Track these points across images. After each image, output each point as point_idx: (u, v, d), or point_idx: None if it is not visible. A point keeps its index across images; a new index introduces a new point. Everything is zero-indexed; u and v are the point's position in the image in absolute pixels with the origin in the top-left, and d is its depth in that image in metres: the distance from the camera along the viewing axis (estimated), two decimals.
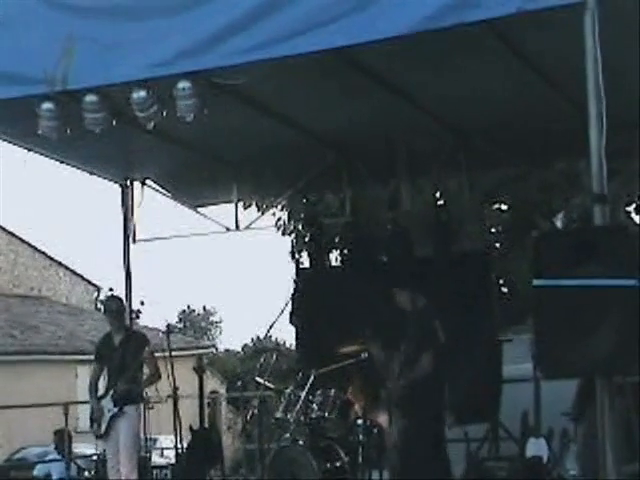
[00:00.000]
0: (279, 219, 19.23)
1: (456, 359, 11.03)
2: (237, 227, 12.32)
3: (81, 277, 39.15)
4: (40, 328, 32.78)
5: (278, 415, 9.44)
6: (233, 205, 12.25)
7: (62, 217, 78.08)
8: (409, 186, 12.31)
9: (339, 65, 8.38)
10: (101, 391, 10.10)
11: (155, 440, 16.69)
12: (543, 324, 6.35)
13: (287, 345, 28.35)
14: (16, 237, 36.46)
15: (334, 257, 17.08)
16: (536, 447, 9.99)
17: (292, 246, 19.15)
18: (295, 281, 12.77)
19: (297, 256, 18.09)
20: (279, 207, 17.31)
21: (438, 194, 14.99)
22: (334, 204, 15.54)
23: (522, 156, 11.04)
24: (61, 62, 7.44)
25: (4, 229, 35.65)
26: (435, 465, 8.61)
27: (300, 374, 9.69)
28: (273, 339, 36.96)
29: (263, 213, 13.33)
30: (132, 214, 12.04)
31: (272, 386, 10.08)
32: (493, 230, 19.18)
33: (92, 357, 10.70)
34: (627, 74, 8.12)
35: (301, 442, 9.15)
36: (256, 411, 10.82)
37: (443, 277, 11.08)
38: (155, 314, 59.81)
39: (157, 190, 12.20)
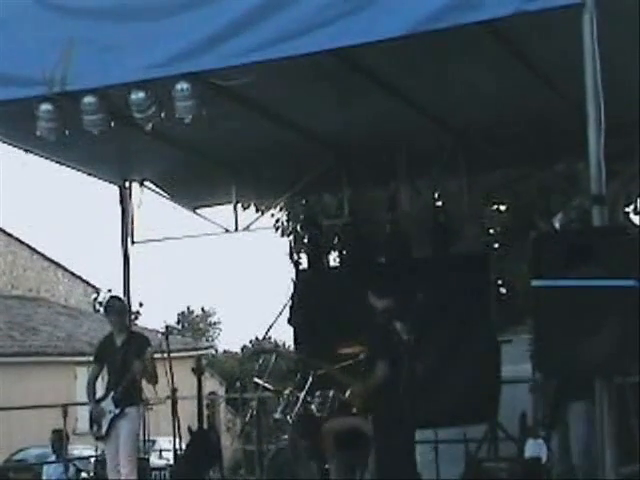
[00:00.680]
0: (278, 220, 19.20)
1: (455, 360, 11.08)
2: (236, 228, 12.33)
3: (80, 278, 39.12)
4: (39, 329, 32.74)
5: (277, 416, 9.44)
6: (232, 206, 12.25)
7: (61, 218, 78.01)
8: (408, 187, 12.33)
9: (338, 66, 8.38)
10: (99, 392, 10.08)
11: (154, 441, 16.69)
12: (542, 325, 6.35)
13: (286, 346, 28.33)
14: (14, 238, 36.43)
15: (333, 258, 17.05)
16: (535, 448, 10.01)
17: (291, 247, 19.12)
18: (294, 282, 12.77)
19: (296, 257, 18.05)
20: (278, 208, 17.31)
21: (437, 195, 14.99)
22: (333, 205, 15.54)
23: (521, 157, 11.04)
24: (60, 64, 7.44)
25: (2, 230, 35.62)
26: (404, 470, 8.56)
27: (299, 375, 9.70)
28: (272, 340, 36.93)
29: (262, 214, 13.32)
30: (131, 215, 12.03)
31: (271, 387, 10.09)
32: (492, 231, 19.16)
33: (91, 358, 10.68)
34: (626, 75, 8.12)
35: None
36: (255, 412, 10.84)
37: (442, 278, 11.10)
38: (154, 315, 59.85)
39: (156, 191, 12.19)
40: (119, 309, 10.21)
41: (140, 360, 9.51)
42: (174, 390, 10.26)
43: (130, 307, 11.98)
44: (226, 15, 7.14)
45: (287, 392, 9.48)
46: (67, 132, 8.01)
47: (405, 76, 8.95)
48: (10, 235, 36.21)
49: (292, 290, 12.57)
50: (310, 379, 9.38)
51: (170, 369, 10.02)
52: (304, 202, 15.22)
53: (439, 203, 13.77)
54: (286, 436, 9.44)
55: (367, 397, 8.62)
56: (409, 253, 11.73)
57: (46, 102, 7.73)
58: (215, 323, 63.33)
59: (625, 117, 8.38)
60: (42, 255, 37.41)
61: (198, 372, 11.26)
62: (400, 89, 9.40)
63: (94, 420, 9.90)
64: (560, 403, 8.12)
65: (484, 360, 11.09)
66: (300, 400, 9.26)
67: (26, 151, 9.92)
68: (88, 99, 7.70)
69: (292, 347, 13.42)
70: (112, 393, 9.77)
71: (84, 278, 39.21)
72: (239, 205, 12.64)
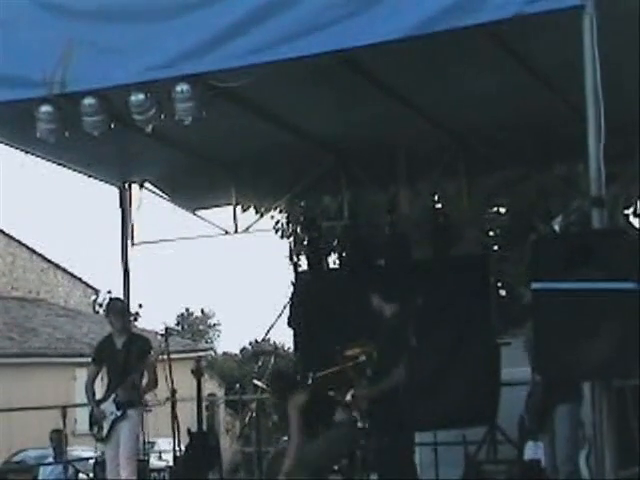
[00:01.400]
0: (277, 222, 19.20)
1: (455, 362, 11.08)
2: (236, 230, 12.32)
3: (79, 280, 39.16)
4: (38, 331, 32.77)
5: (276, 418, 9.44)
6: (231, 208, 12.25)
7: (60, 220, 78.04)
8: (408, 189, 12.33)
9: (338, 68, 8.38)
10: (98, 393, 10.07)
11: (153, 443, 16.68)
12: (542, 327, 6.35)
13: (285, 348, 28.31)
14: (14, 240, 36.45)
15: (332, 260, 17.04)
16: (534, 450, 9.99)
17: (290, 249, 19.13)
18: (293, 284, 12.78)
19: (295, 259, 18.05)
20: (277, 210, 17.30)
21: (437, 197, 14.99)
22: (332, 207, 15.53)
23: (521, 160, 11.03)
24: (60, 65, 7.43)
25: (2, 232, 35.64)
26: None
27: (298, 377, 9.70)
28: (271, 342, 36.92)
29: (262, 216, 13.31)
30: (130, 217, 12.03)
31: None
32: (491, 233, 19.15)
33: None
34: (626, 77, 8.12)
35: None
36: (254, 414, 10.85)
37: (442, 280, 11.10)
38: (153, 317, 59.83)
39: (155, 193, 12.19)
40: (120, 310, 10.19)
41: (145, 364, 9.51)
42: (173, 392, 10.26)
43: (129, 308, 11.97)
44: (226, 17, 7.14)
45: None
46: (67, 133, 7.99)
47: (405, 78, 8.95)
48: (10, 236, 36.24)
49: (292, 292, 12.57)
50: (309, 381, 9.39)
51: (170, 371, 10.02)
52: (304, 204, 15.22)
53: (439, 205, 13.80)
54: (285, 438, 9.43)
55: (371, 400, 8.63)
56: (409, 255, 11.73)
57: (46, 103, 7.72)
58: (214, 325, 63.40)
59: (625, 118, 8.37)
60: (42, 256, 37.45)
61: (197, 374, 11.26)
62: (400, 91, 9.40)
63: (95, 422, 9.89)
64: (548, 407, 8.13)
65: (484, 362, 11.08)
66: None
67: (26, 152, 9.92)
68: (88, 101, 7.69)
69: (291, 349, 13.43)
70: (113, 395, 9.75)
71: (84, 279, 39.28)
72: (239, 207, 12.62)
